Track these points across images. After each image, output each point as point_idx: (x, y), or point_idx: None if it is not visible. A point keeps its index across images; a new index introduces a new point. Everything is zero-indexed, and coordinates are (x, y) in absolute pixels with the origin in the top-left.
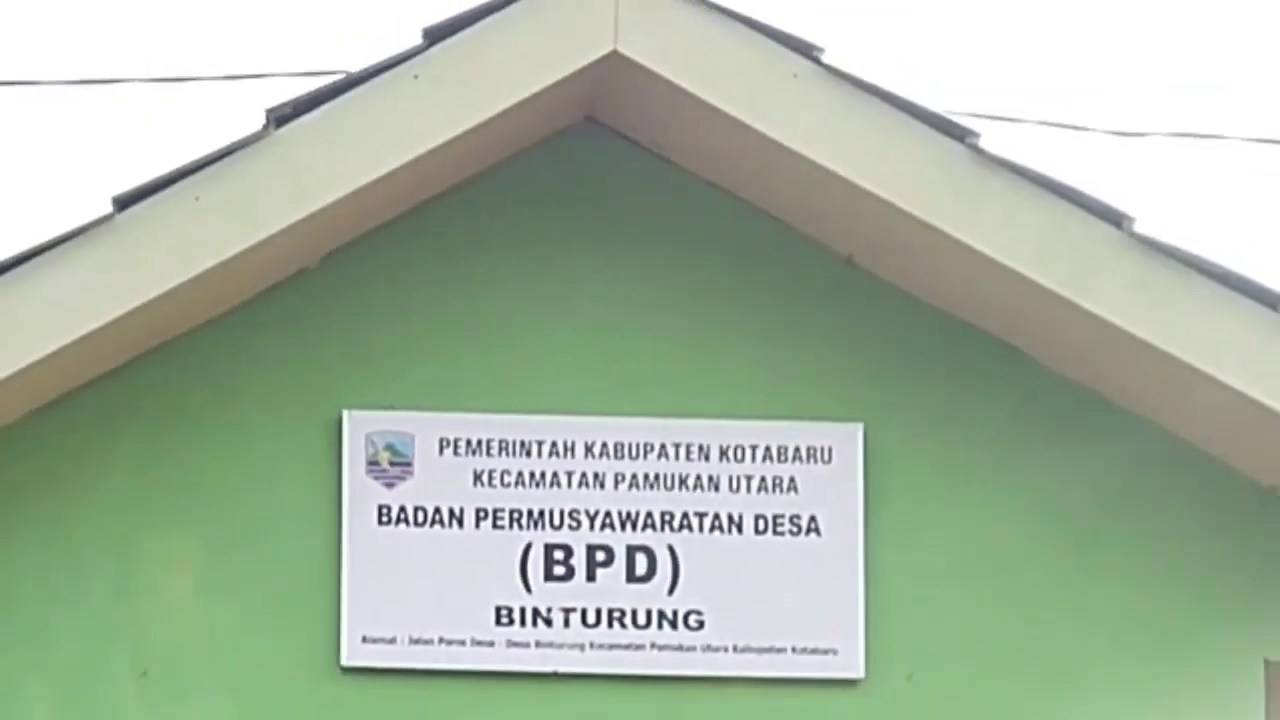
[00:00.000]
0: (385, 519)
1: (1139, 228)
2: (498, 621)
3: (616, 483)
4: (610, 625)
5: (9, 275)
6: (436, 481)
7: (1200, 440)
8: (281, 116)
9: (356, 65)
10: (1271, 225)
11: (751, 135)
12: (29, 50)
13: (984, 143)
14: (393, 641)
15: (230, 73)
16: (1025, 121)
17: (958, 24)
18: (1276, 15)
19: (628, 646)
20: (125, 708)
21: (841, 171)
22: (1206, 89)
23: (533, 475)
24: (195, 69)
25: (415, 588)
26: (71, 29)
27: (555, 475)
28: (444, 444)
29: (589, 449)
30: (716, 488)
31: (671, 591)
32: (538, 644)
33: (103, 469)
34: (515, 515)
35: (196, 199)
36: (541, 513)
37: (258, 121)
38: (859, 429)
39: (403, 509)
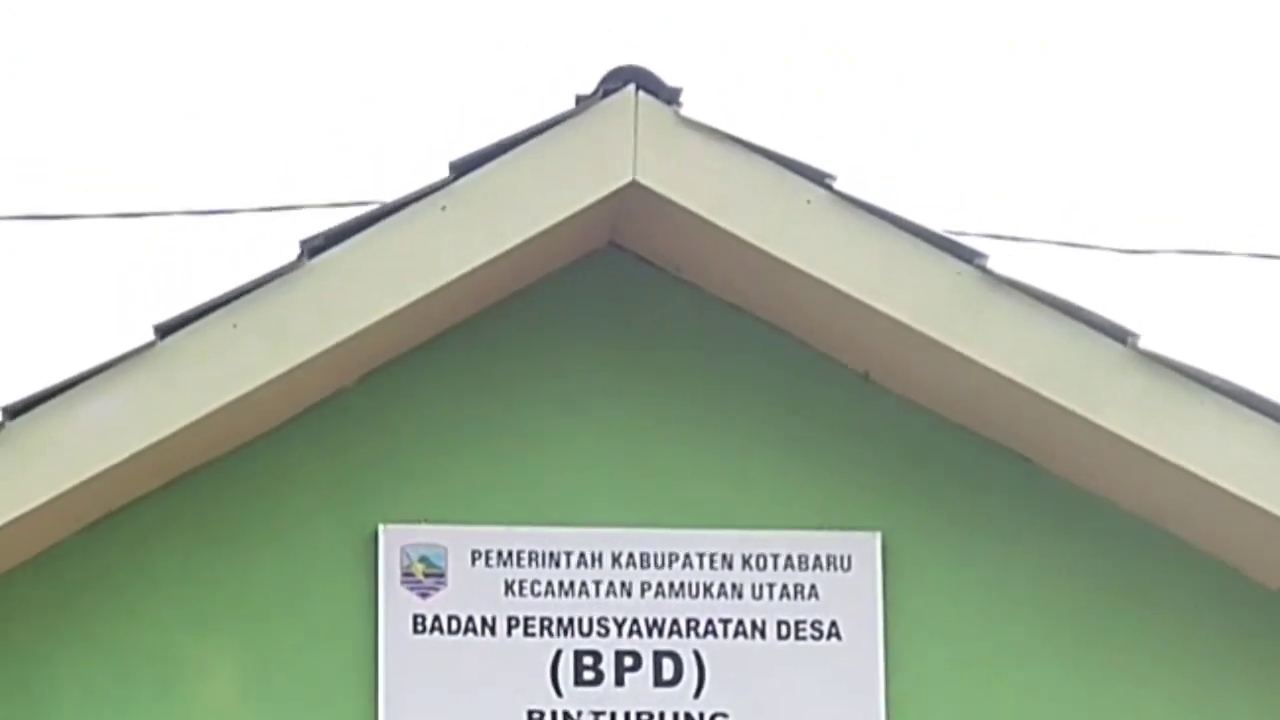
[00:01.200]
0: (420, 628)
1: (1144, 344)
2: None
3: (643, 591)
4: None
5: (55, 401)
6: (469, 591)
7: (1208, 546)
8: (315, 247)
9: (386, 196)
10: (1275, 340)
11: (767, 259)
12: (69, 184)
13: (991, 263)
14: None
15: (265, 205)
16: (1034, 241)
17: (968, 145)
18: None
19: None
20: None
21: (854, 293)
22: (1209, 205)
23: (562, 584)
24: (232, 201)
25: (450, 693)
26: (109, 163)
27: (584, 584)
28: (476, 555)
29: (616, 559)
30: (740, 595)
31: (698, 695)
32: None
33: (147, 584)
34: (545, 623)
35: (234, 326)
36: (571, 620)
37: (292, 252)
38: (877, 537)
39: (437, 618)
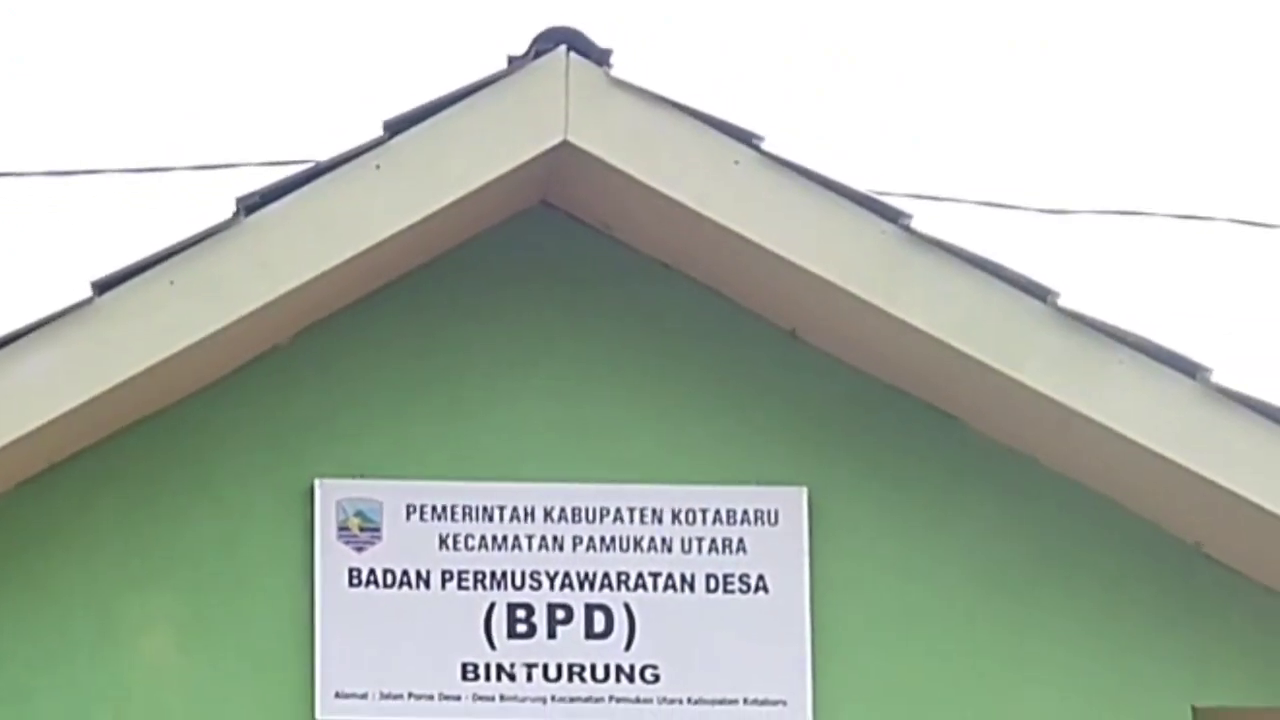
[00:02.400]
0: (356, 581)
1: (1064, 301)
2: (464, 677)
3: (575, 545)
4: (570, 679)
5: None
6: (404, 545)
7: (1129, 501)
8: (250, 205)
9: (322, 155)
10: (1192, 297)
11: (696, 219)
12: (3, 142)
13: (915, 223)
14: (365, 697)
15: (201, 163)
16: (959, 201)
17: (897, 106)
18: (1193, 96)
19: (587, 699)
20: None
21: (780, 252)
22: (1131, 166)
23: (495, 538)
24: (168, 159)
25: (385, 646)
26: (48, 122)
27: (517, 538)
28: (410, 510)
29: (548, 513)
30: (670, 549)
31: (628, 647)
32: (502, 698)
33: (85, 538)
34: (479, 576)
35: (171, 283)
36: (504, 574)
37: (228, 209)
38: (803, 492)
39: (372, 572)
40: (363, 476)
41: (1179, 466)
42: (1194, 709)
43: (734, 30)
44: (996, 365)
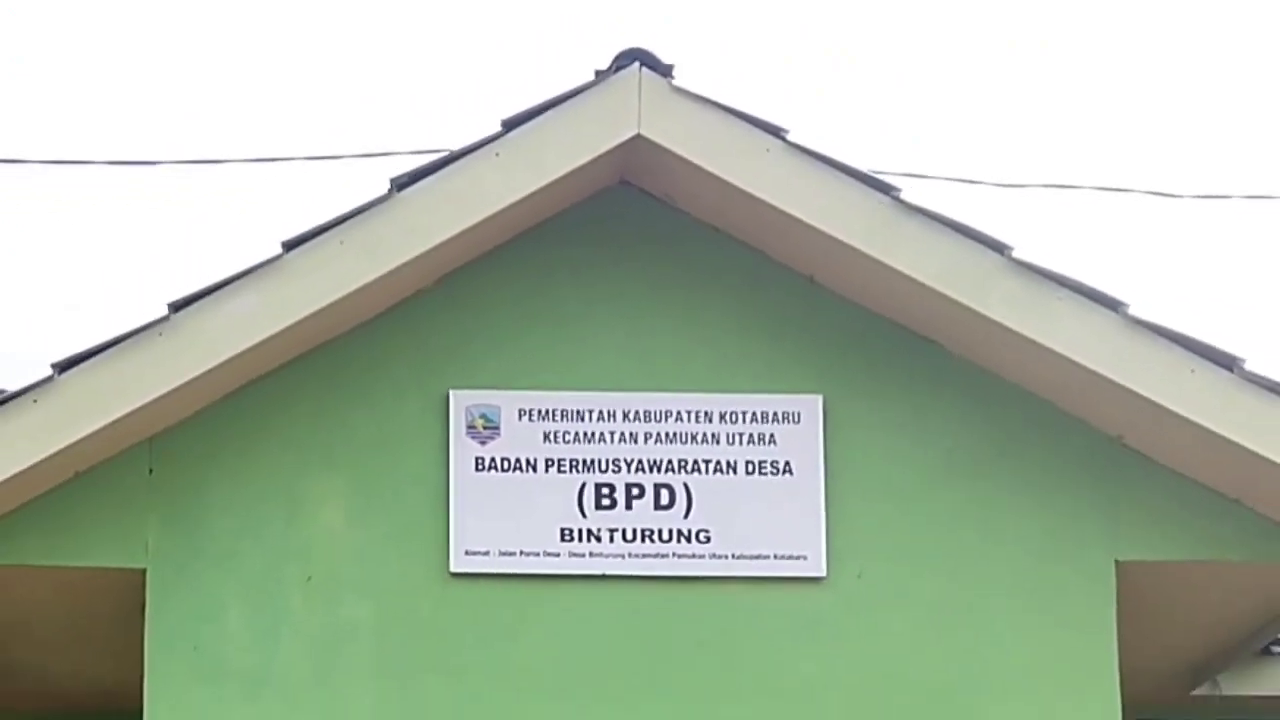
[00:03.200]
0: (480, 467)
1: (1017, 254)
2: (561, 539)
3: (646, 439)
4: (642, 541)
5: (205, 299)
6: (517, 440)
7: (1066, 404)
8: (401, 183)
9: (454, 145)
10: (1118, 251)
11: (737, 192)
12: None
13: (904, 195)
14: (486, 554)
15: (367, 151)
16: (937, 178)
17: (897, 106)
18: (1117, 79)
19: (655, 556)
20: (295, 606)
21: (801, 216)
22: (1070, 145)
23: (586, 434)
24: (341, 149)
25: (502, 515)
26: (172, 112)
27: (602, 434)
28: (522, 413)
29: (626, 415)
30: (718, 442)
31: (686, 516)
32: (590, 554)
33: (276, 435)
34: (574, 463)
35: (341, 243)
36: (592, 461)
37: (385, 187)
38: (819, 399)
39: (493, 460)
40: (486, 388)
41: (1104, 378)
42: (1116, 562)
43: (734, 30)
44: (966, 303)
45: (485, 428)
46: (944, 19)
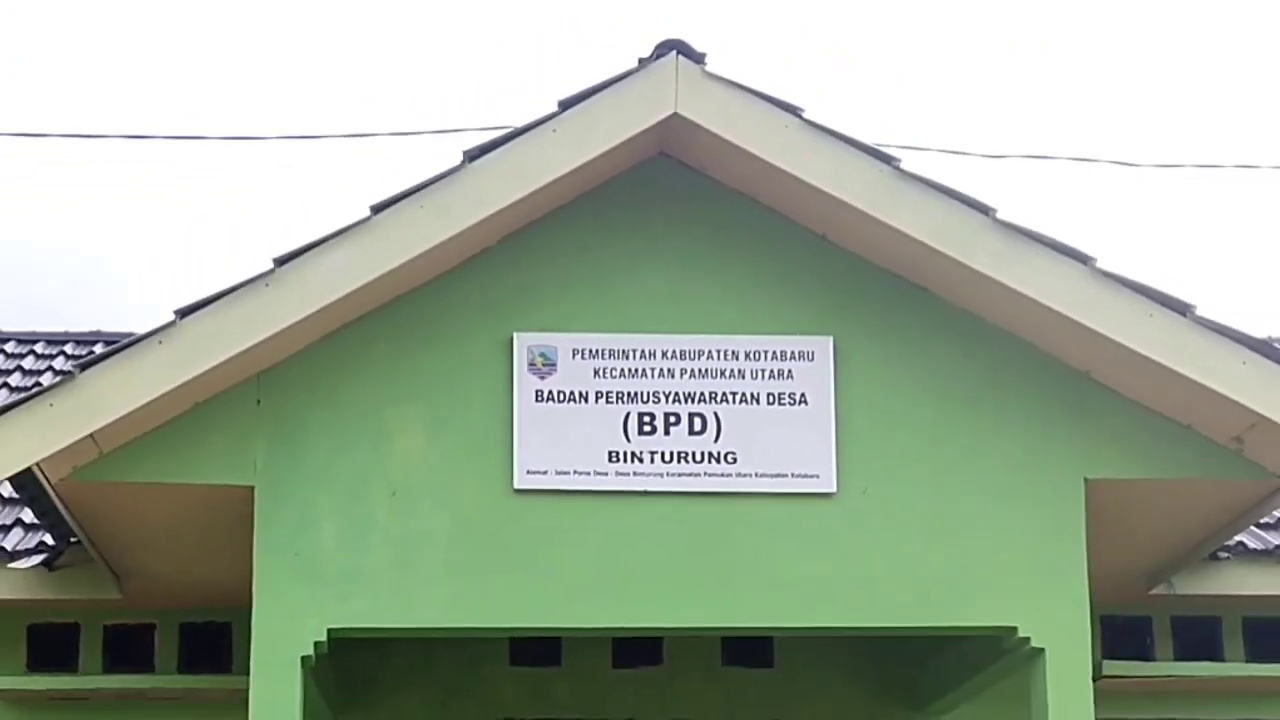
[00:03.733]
0: (539, 399)
1: (1000, 215)
2: (609, 460)
3: (681, 374)
4: (679, 462)
5: (305, 255)
6: (571, 375)
7: (1041, 343)
8: (472, 155)
9: (518, 122)
10: (1087, 212)
11: (760, 162)
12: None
13: (903, 165)
14: (545, 473)
15: (442, 128)
16: (929, 149)
17: (897, 106)
18: (1091, 58)
19: (690, 475)
20: (380, 517)
21: (815, 183)
22: (1047, 118)
23: (630, 370)
24: (419, 126)
25: (558, 440)
26: (219, 92)
27: (644, 370)
28: (575, 352)
29: (664, 354)
30: (743, 376)
31: (716, 440)
32: (635, 474)
33: (364, 370)
34: (620, 395)
35: (421, 207)
36: (635, 393)
37: (457, 159)
38: (830, 340)
39: (550, 392)
40: (545, 331)
41: (1075, 321)
42: (1085, 479)
43: (734, 30)
44: (956, 256)
45: (544, 365)
46: (944, 19)
